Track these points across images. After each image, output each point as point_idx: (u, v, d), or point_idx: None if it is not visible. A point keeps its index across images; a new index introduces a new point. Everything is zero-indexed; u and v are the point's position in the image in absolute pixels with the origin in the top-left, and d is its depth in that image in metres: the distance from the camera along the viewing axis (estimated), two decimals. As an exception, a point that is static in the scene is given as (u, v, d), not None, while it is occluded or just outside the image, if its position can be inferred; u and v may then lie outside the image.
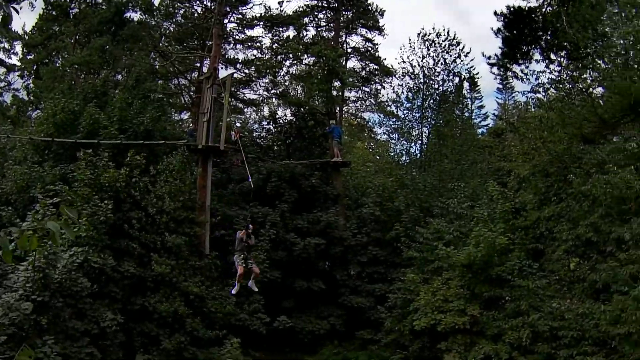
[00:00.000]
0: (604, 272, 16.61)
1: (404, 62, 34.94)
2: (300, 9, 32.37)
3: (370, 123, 43.12)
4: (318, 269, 26.75)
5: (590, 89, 19.65)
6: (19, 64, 38.60)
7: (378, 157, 41.33)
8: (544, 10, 21.15)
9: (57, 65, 33.91)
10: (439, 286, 22.15)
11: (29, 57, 36.94)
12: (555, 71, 21.05)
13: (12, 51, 39.17)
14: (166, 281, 20.53)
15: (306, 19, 33.00)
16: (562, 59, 20.24)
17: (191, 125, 32.36)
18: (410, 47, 34.77)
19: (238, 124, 33.80)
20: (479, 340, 20.09)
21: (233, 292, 16.91)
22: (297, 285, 25.54)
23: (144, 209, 21.50)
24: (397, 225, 26.45)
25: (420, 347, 21.91)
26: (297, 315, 25.10)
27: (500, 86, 41.70)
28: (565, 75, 20.71)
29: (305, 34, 33.40)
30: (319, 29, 33.32)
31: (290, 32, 33.66)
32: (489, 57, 22.42)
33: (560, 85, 20.73)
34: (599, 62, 18.44)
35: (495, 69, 22.70)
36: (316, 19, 33.29)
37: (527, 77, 21.84)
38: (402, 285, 23.75)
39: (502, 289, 20.72)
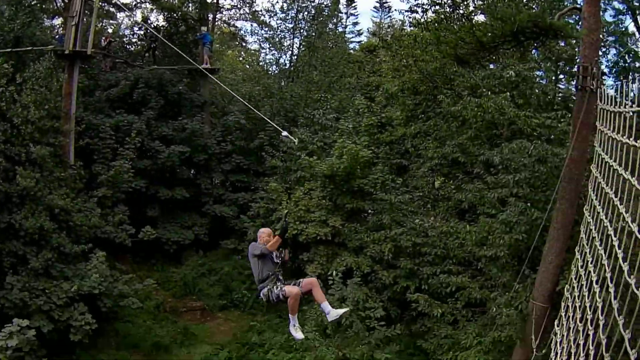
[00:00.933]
0: (470, 193, 15.79)
1: (281, -28, 32.07)
2: None
3: (242, 32, 40.23)
4: (182, 177, 24.30)
5: (472, 15, 18.23)
6: None
7: (248, 67, 38.45)
8: None
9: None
10: (301, 196, 20.58)
11: None
12: (436, -8, 19.42)
13: None
14: (31, 195, 17.60)
15: None
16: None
17: (62, 30, 27.71)
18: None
19: (109, 30, 30.11)
20: (341, 252, 18.91)
21: (298, 336, 8.47)
22: (162, 194, 23.21)
23: (10, 120, 18.17)
24: (261, 134, 24.67)
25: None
26: (162, 225, 22.95)
27: (378, 4, 40.08)
28: (446, -1, 19.18)
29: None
30: None
31: None
32: (368, -31, 20.72)
33: (441, 9, 19.17)
34: (484, -11, 17.13)
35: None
36: None
37: (407, -5, 20.24)
38: (265, 195, 22.02)
39: (365, 202, 19.53)
